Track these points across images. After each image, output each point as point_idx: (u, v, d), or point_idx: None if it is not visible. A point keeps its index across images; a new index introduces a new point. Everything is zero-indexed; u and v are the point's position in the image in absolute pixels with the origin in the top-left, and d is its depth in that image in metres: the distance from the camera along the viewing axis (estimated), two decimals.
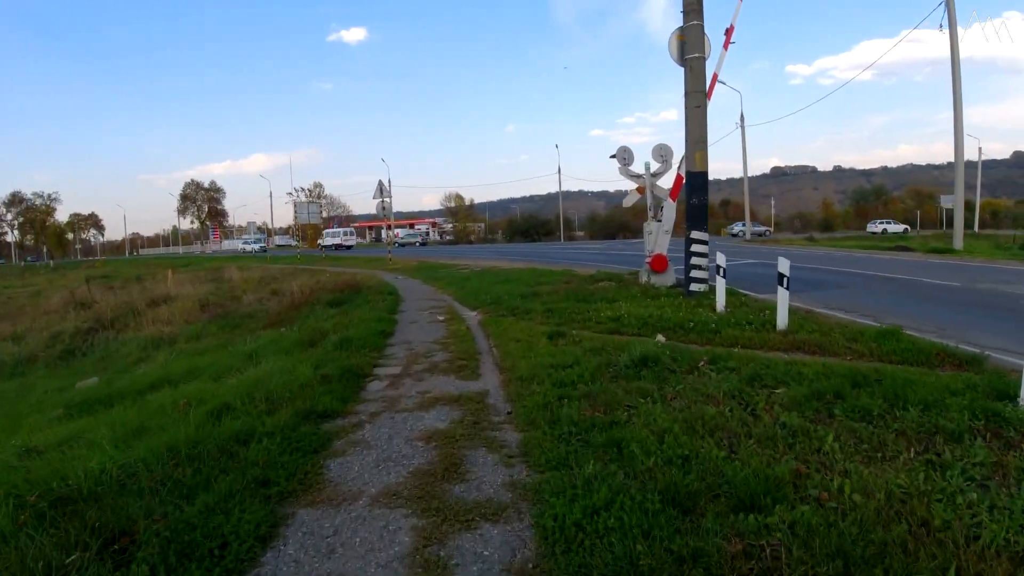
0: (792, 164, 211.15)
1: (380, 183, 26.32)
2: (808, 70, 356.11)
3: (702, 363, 6.13)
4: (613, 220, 77.33)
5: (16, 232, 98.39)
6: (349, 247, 56.60)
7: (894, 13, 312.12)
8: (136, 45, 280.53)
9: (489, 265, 23.04)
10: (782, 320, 7.86)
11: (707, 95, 11.26)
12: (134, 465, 3.99)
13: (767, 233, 56.31)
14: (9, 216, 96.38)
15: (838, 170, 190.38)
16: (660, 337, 7.77)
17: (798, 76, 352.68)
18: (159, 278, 25.72)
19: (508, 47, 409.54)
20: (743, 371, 5.70)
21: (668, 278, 13.02)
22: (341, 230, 62.07)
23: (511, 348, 7.48)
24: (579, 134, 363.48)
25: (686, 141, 11.21)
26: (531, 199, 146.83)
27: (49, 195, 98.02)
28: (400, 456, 4.11)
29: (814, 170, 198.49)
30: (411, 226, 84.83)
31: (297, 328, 10.34)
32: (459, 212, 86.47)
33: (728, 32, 12.04)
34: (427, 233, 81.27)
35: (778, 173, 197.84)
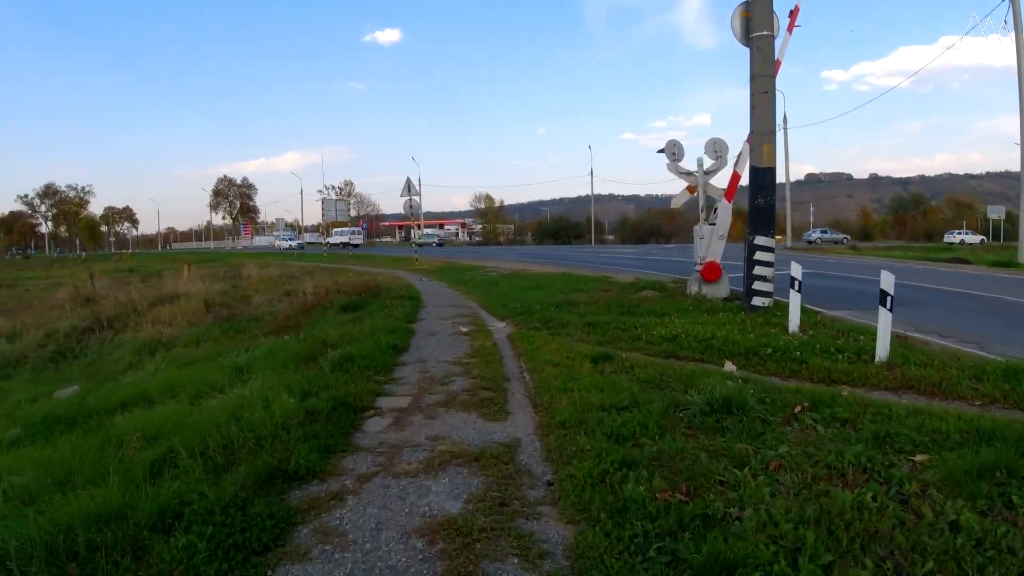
0: (827, 171, 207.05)
1: (408, 180, 25.33)
2: (844, 76, 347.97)
3: (799, 409, 4.69)
4: (644, 224, 75.92)
5: (50, 223, 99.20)
6: (356, 245, 55.88)
7: (934, 16, 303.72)
8: (173, 41, 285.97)
9: (519, 268, 21.81)
10: (883, 349, 6.32)
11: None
12: (7, 560, 2.75)
13: (844, 241, 53.90)
14: (43, 208, 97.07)
15: (874, 178, 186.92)
16: (730, 365, 6.34)
17: (833, 82, 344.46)
18: (177, 273, 24.85)
19: (539, 49, 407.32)
20: (861, 426, 4.27)
21: (722, 289, 11.51)
22: (348, 229, 61.22)
23: (547, 375, 6.09)
24: (609, 137, 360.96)
25: (751, 132, 9.69)
26: (561, 201, 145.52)
27: (83, 187, 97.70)
28: (388, 569, 2.68)
29: (849, 177, 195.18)
30: (440, 226, 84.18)
31: (301, 337, 9.09)
32: (489, 213, 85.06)
33: (793, 14, 10.71)
34: (455, 233, 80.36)
35: (813, 180, 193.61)
